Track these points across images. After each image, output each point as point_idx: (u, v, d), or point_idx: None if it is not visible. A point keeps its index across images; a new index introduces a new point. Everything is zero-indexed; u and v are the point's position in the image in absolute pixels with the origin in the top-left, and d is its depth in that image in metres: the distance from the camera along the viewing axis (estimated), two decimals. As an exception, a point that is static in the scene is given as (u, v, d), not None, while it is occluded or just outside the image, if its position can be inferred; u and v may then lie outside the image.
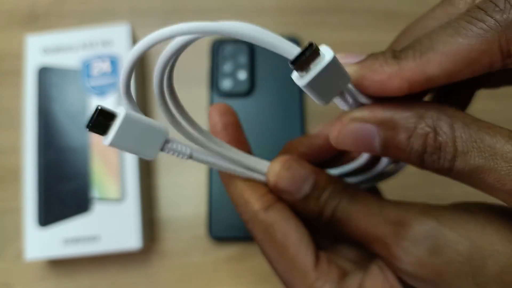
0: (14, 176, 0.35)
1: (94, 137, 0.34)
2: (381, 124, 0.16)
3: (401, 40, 0.19)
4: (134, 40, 0.36)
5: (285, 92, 0.37)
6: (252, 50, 0.37)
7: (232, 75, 0.37)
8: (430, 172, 0.16)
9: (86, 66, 0.35)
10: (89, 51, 0.35)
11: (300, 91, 0.37)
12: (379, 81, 0.15)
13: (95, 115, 0.14)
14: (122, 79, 0.15)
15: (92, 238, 0.32)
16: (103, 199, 0.33)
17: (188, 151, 0.17)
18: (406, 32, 0.19)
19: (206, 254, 0.35)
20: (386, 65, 0.15)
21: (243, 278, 0.34)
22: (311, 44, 0.14)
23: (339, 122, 0.17)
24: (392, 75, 0.15)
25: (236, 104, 0.37)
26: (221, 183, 0.36)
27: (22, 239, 0.32)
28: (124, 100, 0.16)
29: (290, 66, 0.14)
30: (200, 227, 0.35)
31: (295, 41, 0.38)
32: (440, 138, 0.15)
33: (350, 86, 0.16)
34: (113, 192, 0.33)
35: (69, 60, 0.35)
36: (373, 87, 0.16)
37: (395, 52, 0.16)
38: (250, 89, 0.37)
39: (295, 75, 0.15)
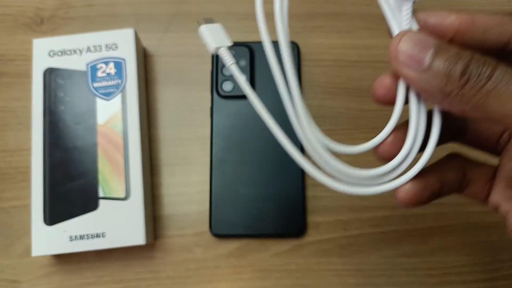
0: (22, 175, 0.36)
1: (100, 137, 0.35)
2: (439, 42, 0.19)
3: None
4: (138, 44, 0.37)
5: (284, 94, 0.38)
6: (252, 53, 0.38)
7: (233, 77, 0.38)
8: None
9: (91, 68, 0.36)
10: (94, 55, 0.36)
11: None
12: (442, 13, 0.20)
13: (209, 19, 0.24)
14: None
15: (97, 236, 0.33)
16: (108, 198, 0.34)
17: (231, 61, 0.23)
18: None
19: (208, 250, 0.36)
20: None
21: (244, 274, 0.35)
22: None
23: (407, 30, 0.20)
24: (452, 12, 0.20)
25: (236, 106, 0.38)
26: (221, 181, 0.37)
27: (29, 237, 0.33)
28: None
29: None
30: (202, 224, 0.36)
31: (294, 45, 0.39)
32: (485, 58, 0.18)
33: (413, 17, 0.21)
34: (118, 191, 0.34)
35: (74, 63, 0.36)
36: (435, 17, 0.21)
37: None
38: (250, 91, 0.38)
39: None
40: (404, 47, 0.19)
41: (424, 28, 0.21)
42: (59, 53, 0.36)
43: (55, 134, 0.35)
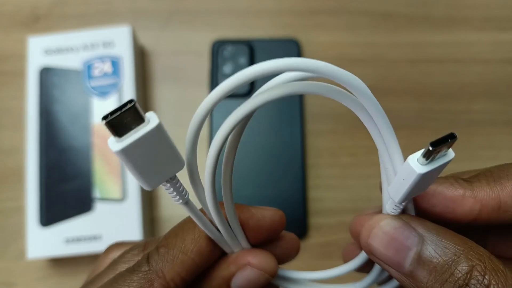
0: (17, 176, 0.36)
1: (96, 137, 0.34)
2: (428, 236, 0.13)
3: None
4: (135, 42, 0.37)
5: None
6: (251, 51, 0.38)
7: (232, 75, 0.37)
8: None
9: (87, 67, 0.35)
10: (90, 52, 0.36)
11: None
12: (451, 198, 0.15)
13: (124, 109, 0.11)
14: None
15: (93, 238, 0.32)
16: (104, 199, 0.33)
17: (182, 200, 0.15)
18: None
19: (207, 253, 0.35)
20: (459, 185, 0.14)
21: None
22: None
23: (383, 215, 0.15)
24: (466, 195, 0.14)
25: (236, 105, 0.37)
26: (220, 183, 0.36)
27: (25, 239, 0.33)
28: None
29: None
30: (200, 226, 0.35)
31: (295, 42, 0.39)
32: (489, 276, 0.12)
33: (404, 203, 0.14)
34: (115, 192, 0.33)
35: (70, 61, 0.35)
36: (441, 205, 0.15)
37: (464, 178, 0.15)
38: (250, 89, 0.37)
39: None
40: (376, 244, 0.14)
41: (430, 209, 0.15)
42: (55, 51, 0.36)
43: (51, 134, 0.34)
